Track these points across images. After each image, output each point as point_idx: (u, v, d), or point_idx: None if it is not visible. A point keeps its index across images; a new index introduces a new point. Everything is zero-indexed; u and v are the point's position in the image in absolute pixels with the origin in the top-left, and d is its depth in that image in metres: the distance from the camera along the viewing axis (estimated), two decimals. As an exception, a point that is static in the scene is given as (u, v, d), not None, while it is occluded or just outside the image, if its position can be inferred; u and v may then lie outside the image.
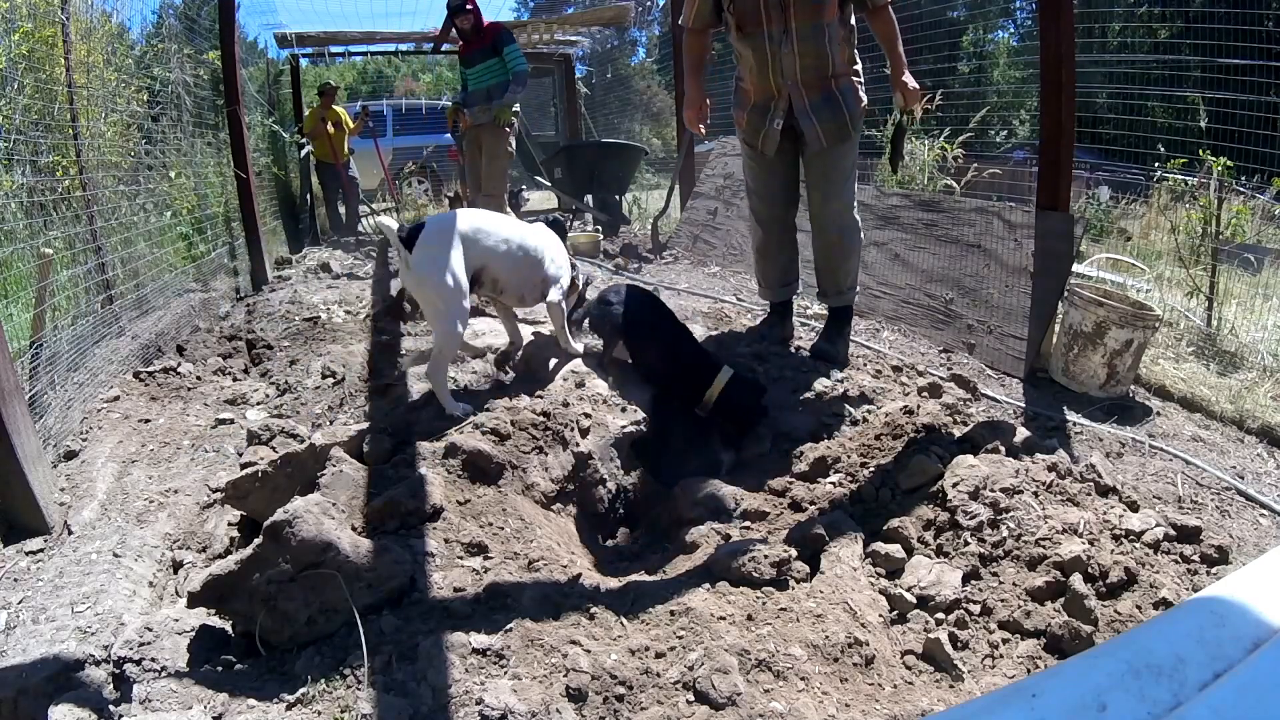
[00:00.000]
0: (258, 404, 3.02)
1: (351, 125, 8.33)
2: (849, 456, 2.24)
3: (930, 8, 6.52)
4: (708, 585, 1.57)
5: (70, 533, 2.03)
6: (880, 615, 1.57)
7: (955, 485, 1.85)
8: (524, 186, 8.30)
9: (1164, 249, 4.74)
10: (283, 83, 9.30)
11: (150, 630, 1.47)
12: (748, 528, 1.92)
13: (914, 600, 1.62)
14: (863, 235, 3.05)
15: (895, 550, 1.75)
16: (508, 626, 1.37)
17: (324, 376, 3.09)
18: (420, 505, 1.72)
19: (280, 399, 3.01)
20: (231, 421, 2.80)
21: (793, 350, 3.13)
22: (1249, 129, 4.26)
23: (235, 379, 3.35)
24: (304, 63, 9.96)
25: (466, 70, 5.54)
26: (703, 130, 3.05)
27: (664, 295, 3.42)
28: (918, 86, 2.85)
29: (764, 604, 1.51)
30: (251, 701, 1.27)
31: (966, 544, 1.73)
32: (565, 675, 1.28)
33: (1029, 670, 1.48)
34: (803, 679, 1.33)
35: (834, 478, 2.14)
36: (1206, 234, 3.84)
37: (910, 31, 2.80)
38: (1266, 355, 3.20)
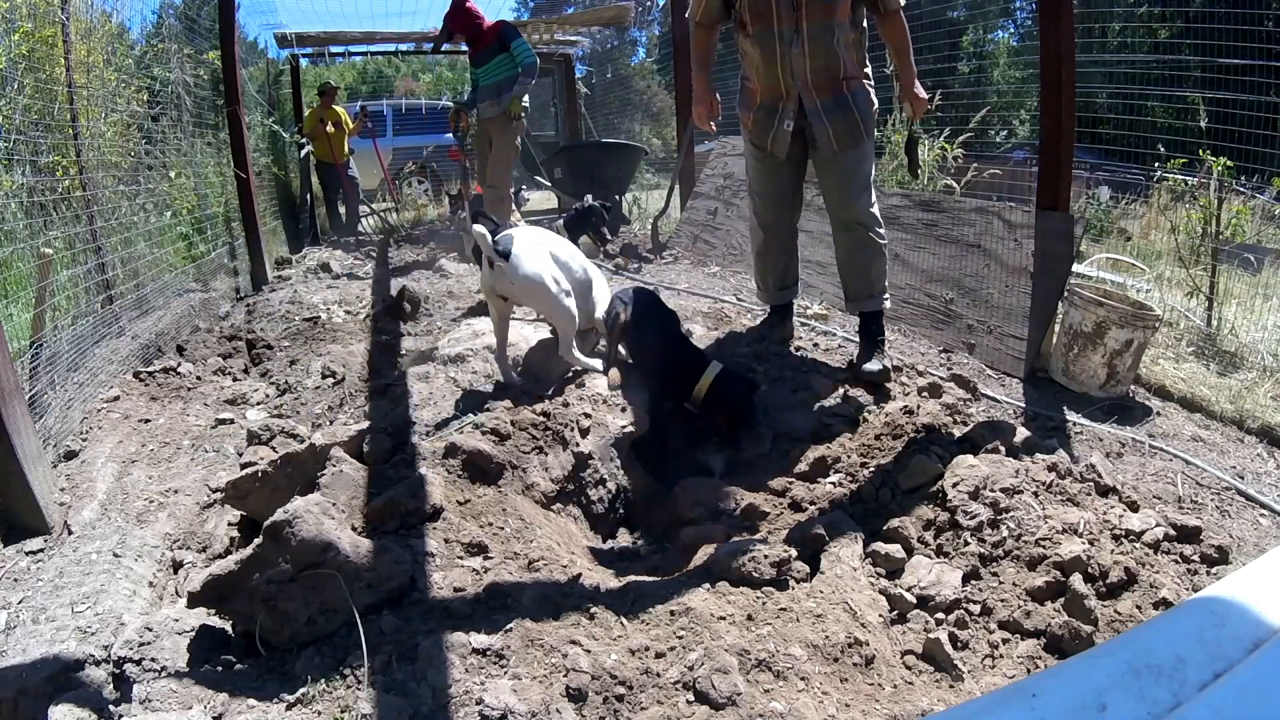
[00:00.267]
0: (258, 404, 3.03)
1: (351, 125, 8.33)
2: (849, 456, 2.24)
3: (930, 8, 6.52)
4: (708, 585, 1.57)
5: (70, 533, 2.03)
6: (880, 615, 1.57)
7: (955, 485, 1.85)
8: (524, 186, 8.30)
9: (1164, 249, 4.73)
10: (283, 83, 9.31)
11: (150, 630, 1.47)
12: (748, 528, 1.92)
13: (914, 600, 1.62)
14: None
15: (895, 550, 1.75)
16: (508, 626, 1.37)
17: (324, 376, 3.09)
18: (420, 505, 1.72)
19: (280, 399, 3.01)
20: (231, 421, 2.80)
21: (793, 350, 3.13)
22: (1249, 129, 4.26)
23: (235, 379, 3.35)
24: (304, 63, 9.97)
25: (477, 70, 5.54)
26: (713, 128, 3.00)
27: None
28: (926, 97, 2.81)
29: (764, 604, 1.51)
30: (251, 701, 1.27)
31: (966, 544, 1.73)
32: (565, 675, 1.28)
33: (1029, 670, 1.48)
34: (803, 679, 1.33)
35: (834, 478, 2.14)
36: (1206, 234, 3.84)
37: (910, 31, 2.77)
38: (1266, 355, 3.20)
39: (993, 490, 1.81)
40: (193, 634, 1.50)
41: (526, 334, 2.87)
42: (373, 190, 9.81)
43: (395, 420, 2.28)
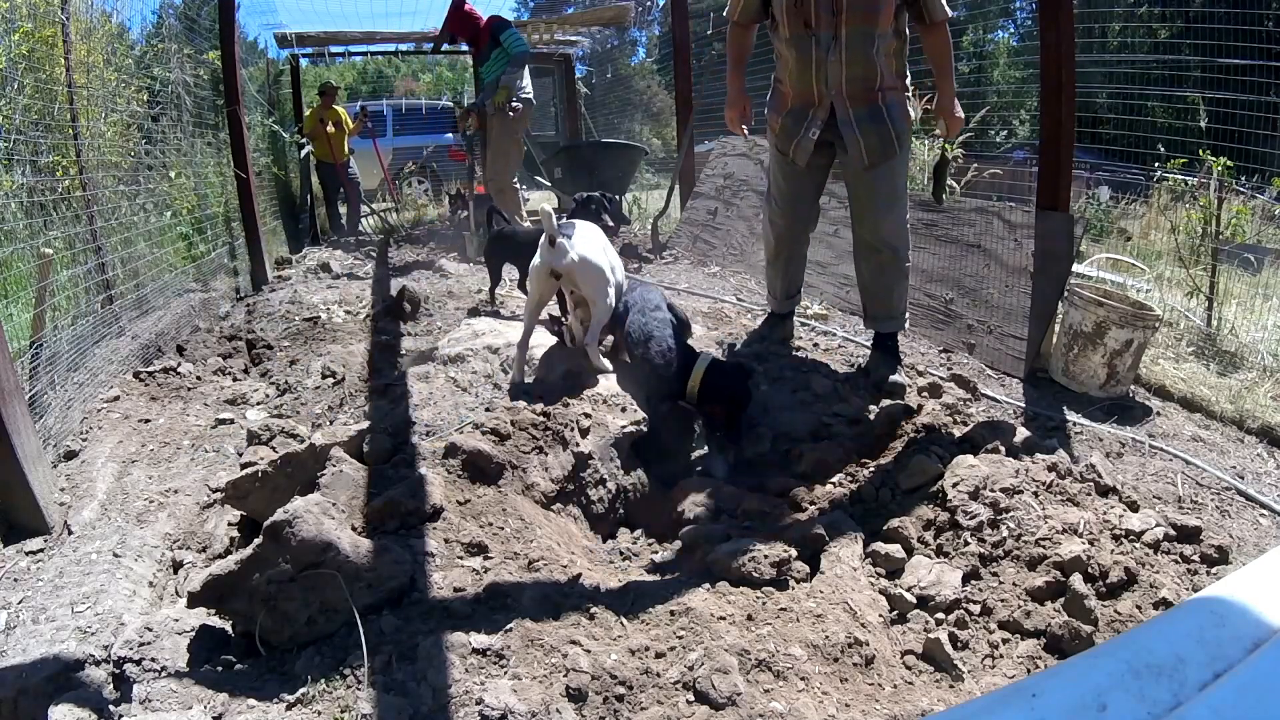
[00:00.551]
0: (258, 404, 3.02)
1: (351, 125, 8.33)
2: (849, 456, 2.24)
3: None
4: (708, 585, 1.57)
5: (70, 533, 2.03)
6: (880, 615, 1.57)
7: (955, 485, 1.85)
8: (524, 186, 8.29)
9: (1164, 249, 4.74)
10: (283, 83, 9.30)
11: (150, 630, 1.47)
12: (748, 528, 1.92)
13: (914, 600, 1.62)
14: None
15: (895, 550, 1.75)
16: (508, 626, 1.37)
17: (324, 376, 3.09)
18: (420, 505, 1.72)
19: (280, 399, 3.01)
20: (231, 421, 2.80)
21: (793, 350, 3.13)
22: (1249, 129, 4.26)
23: (235, 379, 3.35)
24: (304, 63, 9.96)
25: (480, 69, 5.56)
26: (745, 131, 2.92)
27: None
28: (963, 116, 2.70)
29: (764, 604, 1.51)
30: (251, 701, 1.27)
31: (966, 544, 1.73)
32: (565, 675, 1.28)
33: (1029, 670, 1.48)
34: (803, 679, 1.33)
35: (834, 478, 2.14)
36: (1206, 234, 3.84)
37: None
38: (1266, 355, 3.20)
39: (993, 490, 1.81)
40: (193, 634, 1.50)
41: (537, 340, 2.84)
42: (373, 190, 9.81)
43: (395, 420, 2.28)
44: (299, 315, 4.05)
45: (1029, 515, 1.75)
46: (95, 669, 1.43)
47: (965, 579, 1.67)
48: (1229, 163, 3.75)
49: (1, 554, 1.94)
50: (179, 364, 3.32)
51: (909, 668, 1.49)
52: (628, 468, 2.26)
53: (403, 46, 9.69)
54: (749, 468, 2.33)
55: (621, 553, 2.03)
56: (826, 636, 1.43)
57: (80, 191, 3.28)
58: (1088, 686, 0.66)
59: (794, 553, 1.65)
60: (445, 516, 1.72)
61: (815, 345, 3.27)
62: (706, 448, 2.47)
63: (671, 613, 1.47)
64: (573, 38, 10.15)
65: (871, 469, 2.14)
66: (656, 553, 1.99)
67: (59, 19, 3.29)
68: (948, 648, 1.49)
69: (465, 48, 6.24)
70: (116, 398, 2.92)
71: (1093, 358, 2.84)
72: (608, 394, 2.45)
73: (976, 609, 1.61)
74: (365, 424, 2.28)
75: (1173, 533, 1.77)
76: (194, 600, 1.48)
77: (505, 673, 1.28)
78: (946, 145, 3.06)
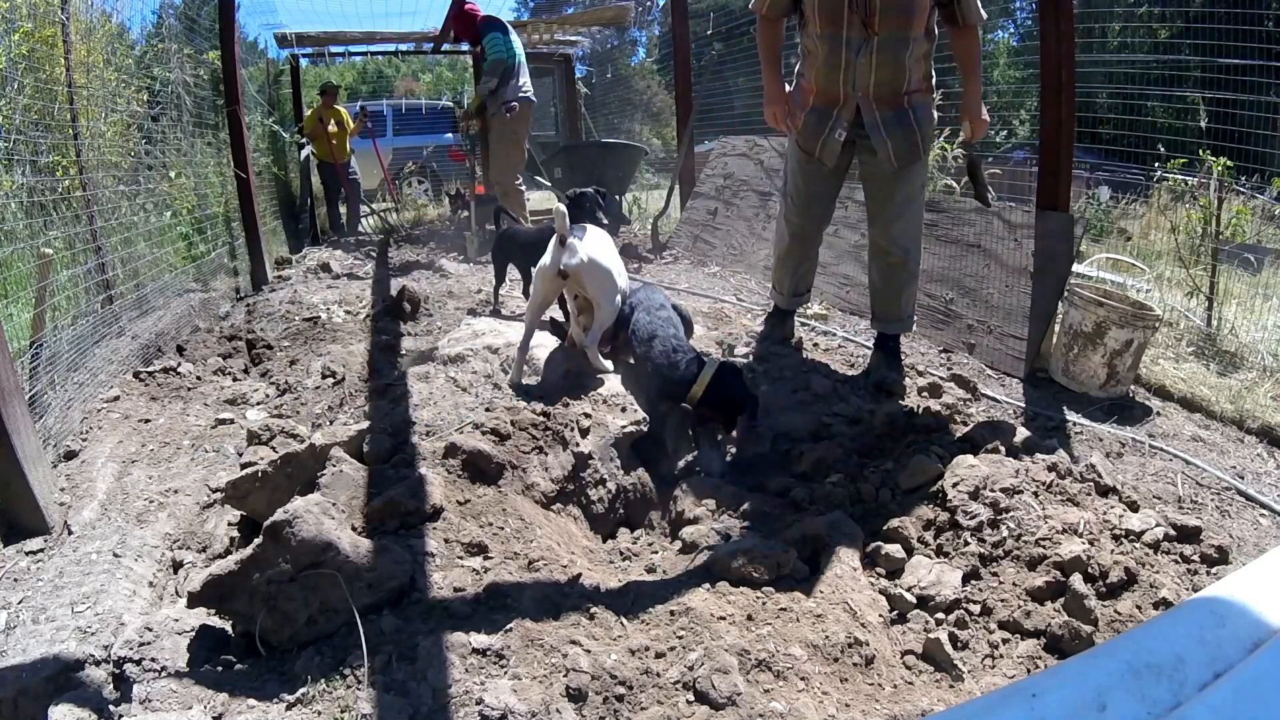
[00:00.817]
0: (258, 404, 3.02)
1: (352, 125, 8.33)
2: (849, 457, 2.24)
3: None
4: (708, 585, 1.57)
5: (70, 533, 2.03)
6: (880, 615, 1.57)
7: (955, 485, 1.85)
8: (524, 186, 8.29)
9: (1164, 249, 4.74)
10: (283, 83, 9.30)
11: (150, 630, 1.47)
12: (748, 528, 1.92)
13: (914, 600, 1.62)
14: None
15: (895, 550, 1.75)
16: (508, 626, 1.37)
17: (324, 376, 3.09)
18: (420, 505, 1.72)
19: (280, 399, 3.01)
20: (231, 421, 2.80)
21: (793, 350, 3.13)
22: (1249, 129, 4.26)
23: (235, 379, 3.35)
24: (304, 63, 9.96)
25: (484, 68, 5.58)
26: (789, 128, 2.80)
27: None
28: (988, 119, 2.68)
29: (764, 604, 1.51)
30: (251, 701, 1.27)
31: (966, 544, 1.73)
32: (565, 675, 1.28)
33: (1029, 670, 1.48)
34: (803, 679, 1.33)
35: (834, 478, 2.14)
36: (1206, 234, 3.84)
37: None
38: (1266, 355, 3.20)
39: (993, 490, 1.81)
40: (193, 634, 1.50)
41: (538, 341, 2.84)
42: (373, 190, 9.82)
43: (395, 420, 2.28)
44: (299, 315, 4.05)
45: (1029, 515, 1.75)
46: (95, 669, 1.43)
47: (965, 579, 1.67)
48: (1229, 163, 3.75)
49: (1, 554, 1.94)
50: (179, 364, 3.32)
51: (909, 668, 1.49)
52: (628, 468, 2.26)
53: (403, 46, 9.69)
54: (749, 468, 2.33)
55: (621, 553, 2.03)
56: (826, 636, 1.43)
57: (80, 191, 3.28)
58: (1088, 686, 0.66)
59: (794, 553, 1.65)
60: (445, 516, 1.72)
61: (815, 345, 3.27)
62: (699, 446, 2.46)
63: (671, 613, 1.47)
64: (573, 38, 10.14)
65: (871, 469, 2.14)
66: (656, 553, 1.99)
67: (59, 19, 3.28)
68: (948, 648, 1.49)
69: (465, 47, 6.24)
70: (116, 398, 2.92)
71: (1093, 358, 2.84)
72: (608, 394, 2.45)
73: (976, 609, 1.61)
74: (365, 424, 2.28)
75: (1173, 533, 1.77)
76: (194, 600, 1.48)
77: (505, 673, 1.28)
78: (975, 146, 2.93)
